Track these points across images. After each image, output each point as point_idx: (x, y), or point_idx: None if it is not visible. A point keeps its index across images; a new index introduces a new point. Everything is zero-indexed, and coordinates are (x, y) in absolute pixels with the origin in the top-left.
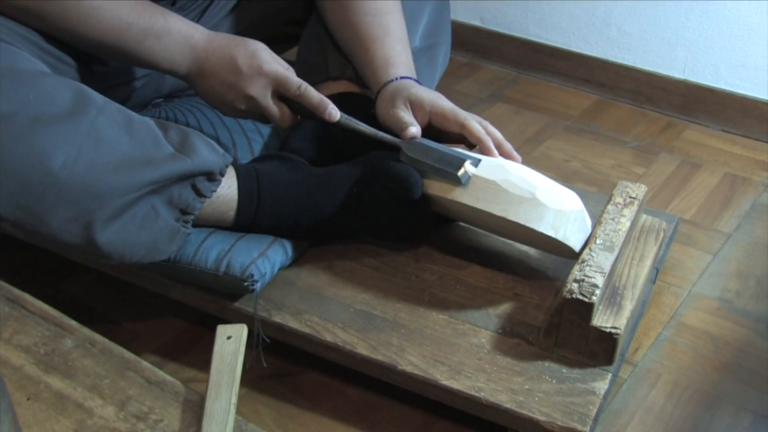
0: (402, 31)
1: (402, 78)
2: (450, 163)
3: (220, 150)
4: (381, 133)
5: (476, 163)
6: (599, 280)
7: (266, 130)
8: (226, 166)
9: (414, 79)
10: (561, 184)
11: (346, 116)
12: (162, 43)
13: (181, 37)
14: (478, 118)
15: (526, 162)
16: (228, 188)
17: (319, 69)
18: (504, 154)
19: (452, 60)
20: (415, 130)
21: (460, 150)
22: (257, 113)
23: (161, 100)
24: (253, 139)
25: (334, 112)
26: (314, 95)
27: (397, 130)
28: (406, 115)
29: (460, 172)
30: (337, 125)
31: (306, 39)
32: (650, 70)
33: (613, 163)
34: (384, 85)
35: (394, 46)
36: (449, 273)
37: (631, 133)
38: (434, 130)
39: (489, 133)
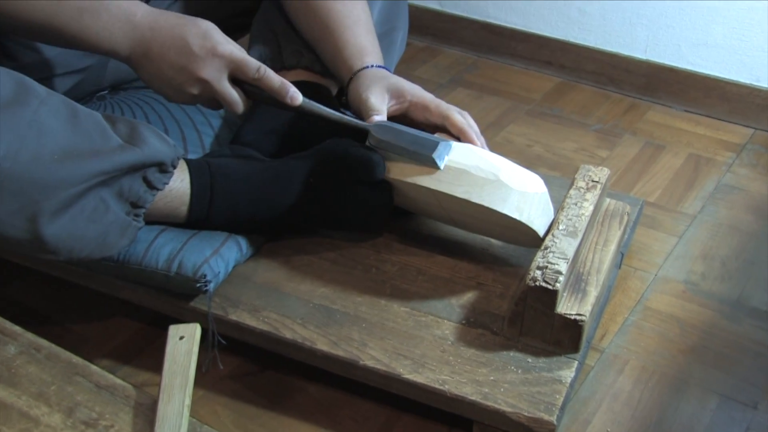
0: (370, 23)
1: (377, 66)
2: (423, 146)
3: (171, 141)
4: (346, 117)
5: (449, 146)
6: (563, 267)
7: (217, 122)
8: (178, 158)
9: (388, 69)
10: (525, 168)
11: (308, 100)
12: (100, 21)
13: (122, 14)
14: (458, 109)
15: (488, 147)
16: (180, 182)
17: (273, 58)
18: (480, 145)
19: (411, 45)
20: (378, 119)
21: (429, 134)
22: (209, 98)
23: (106, 92)
24: (204, 132)
25: (297, 96)
26: (274, 78)
27: (363, 114)
28: (377, 102)
29: (435, 154)
30: (299, 110)
31: (257, 27)
32: (612, 51)
33: (576, 147)
34: (359, 71)
35: (366, 35)
36: (410, 264)
37: (593, 115)
38: (408, 120)
39: (469, 125)
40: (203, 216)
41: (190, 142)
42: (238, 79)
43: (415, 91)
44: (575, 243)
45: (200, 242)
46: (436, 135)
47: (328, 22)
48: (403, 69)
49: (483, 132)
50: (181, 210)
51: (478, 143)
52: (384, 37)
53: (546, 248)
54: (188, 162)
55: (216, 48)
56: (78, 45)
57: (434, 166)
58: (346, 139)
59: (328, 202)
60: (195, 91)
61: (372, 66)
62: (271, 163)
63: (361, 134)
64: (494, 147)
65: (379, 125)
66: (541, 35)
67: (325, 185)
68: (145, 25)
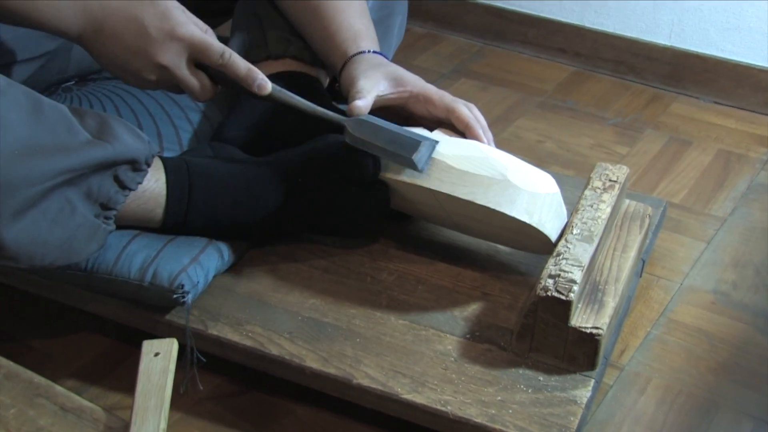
0: (364, 6)
1: (374, 52)
2: (403, 146)
3: (146, 137)
4: (320, 109)
5: (433, 145)
6: (577, 275)
7: (196, 117)
8: (153, 156)
9: (386, 57)
10: (535, 166)
11: (279, 88)
12: None
13: None
14: (464, 102)
15: (495, 144)
16: (155, 182)
17: (258, 46)
18: (486, 141)
19: (409, 31)
20: (361, 103)
21: (415, 130)
22: (170, 85)
23: (72, 83)
24: (181, 128)
25: (265, 84)
26: (241, 64)
27: (348, 98)
28: (366, 84)
29: (416, 156)
30: (269, 99)
31: (240, 12)
32: (632, 37)
33: (592, 143)
34: (353, 56)
35: (361, 18)
36: (409, 272)
37: (612, 108)
38: (408, 113)
39: (476, 119)
40: (180, 220)
41: (166, 139)
42: (202, 63)
43: (416, 82)
44: (591, 249)
45: (177, 249)
46: (436, 131)
47: (318, 5)
48: (402, 58)
49: (489, 127)
50: (156, 213)
51: (485, 139)
52: (380, 22)
53: (558, 255)
54: (164, 160)
55: (175, 30)
56: (28, 23)
57: (414, 168)
58: (337, 136)
59: (318, 204)
60: (153, 77)
61: (368, 51)
62: (256, 161)
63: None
64: (502, 144)
65: (357, 120)
66: (554, 20)
67: (314, 186)
68: (96, 3)
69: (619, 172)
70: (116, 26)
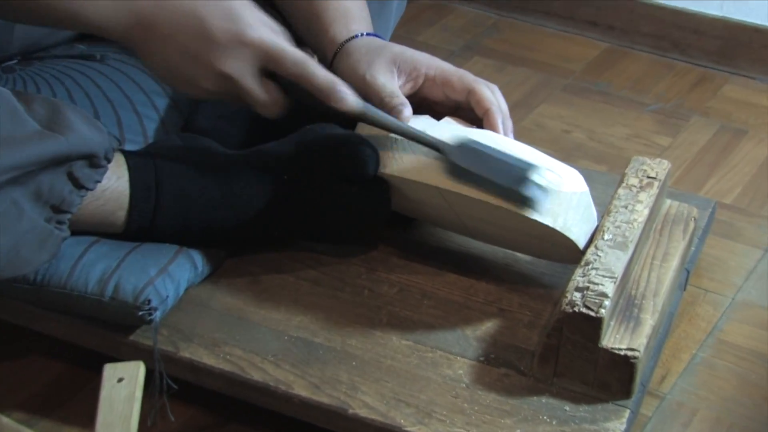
0: None
1: (368, 35)
2: (514, 178)
3: (104, 128)
4: (419, 132)
5: (541, 172)
6: (609, 288)
7: (163, 103)
8: (113, 149)
9: (381, 38)
10: (559, 161)
11: (368, 106)
12: None
13: None
14: (485, 82)
15: (514, 135)
16: (116, 180)
17: None
18: (505, 131)
19: (412, 2)
20: (409, 112)
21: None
22: (232, 96)
23: (14, 62)
24: (146, 116)
25: (350, 100)
26: (319, 75)
27: (377, 102)
28: (388, 82)
29: (529, 192)
30: (355, 117)
31: None
32: (677, 7)
33: (628, 133)
34: (346, 42)
35: None
36: (413, 284)
37: (651, 91)
38: (420, 98)
39: (497, 105)
40: (146, 224)
41: (128, 129)
42: (271, 71)
43: (430, 62)
44: (625, 257)
45: (143, 258)
46: (444, 119)
47: None
48: (403, 33)
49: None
50: (118, 216)
51: (501, 130)
52: None
53: (587, 264)
54: (126, 154)
55: (244, 33)
56: (64, 23)
57: (530, 207)
58: (329, 125)
59: (308, 205)
60: (212, 86)
61: (362, 35)
62: (234, 155)
63: (350, 119)
64: (521, 134)
65: (461, 147)
66: None
67: (304, 183)
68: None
69: (659, 168)
70: (171, 24)
